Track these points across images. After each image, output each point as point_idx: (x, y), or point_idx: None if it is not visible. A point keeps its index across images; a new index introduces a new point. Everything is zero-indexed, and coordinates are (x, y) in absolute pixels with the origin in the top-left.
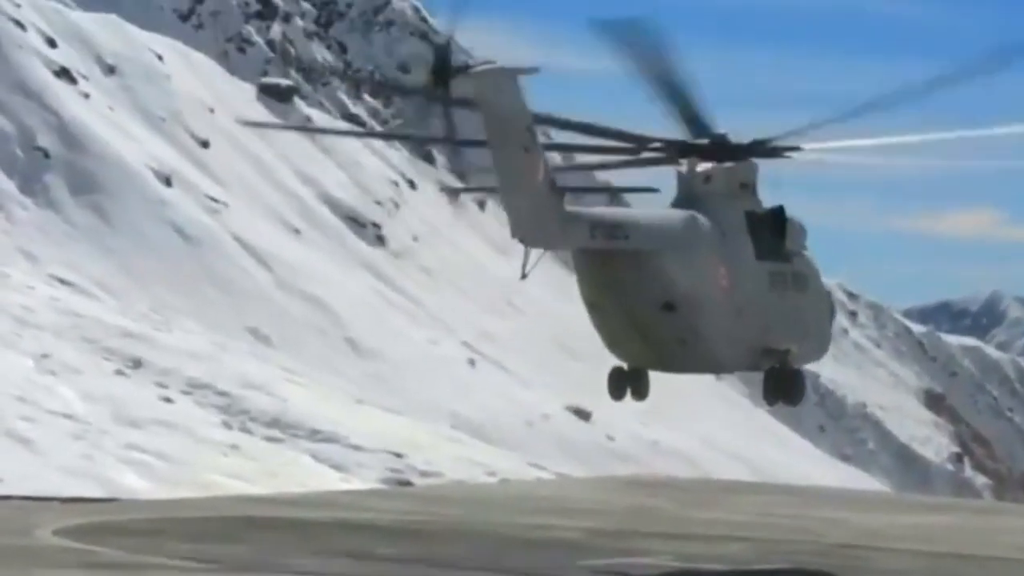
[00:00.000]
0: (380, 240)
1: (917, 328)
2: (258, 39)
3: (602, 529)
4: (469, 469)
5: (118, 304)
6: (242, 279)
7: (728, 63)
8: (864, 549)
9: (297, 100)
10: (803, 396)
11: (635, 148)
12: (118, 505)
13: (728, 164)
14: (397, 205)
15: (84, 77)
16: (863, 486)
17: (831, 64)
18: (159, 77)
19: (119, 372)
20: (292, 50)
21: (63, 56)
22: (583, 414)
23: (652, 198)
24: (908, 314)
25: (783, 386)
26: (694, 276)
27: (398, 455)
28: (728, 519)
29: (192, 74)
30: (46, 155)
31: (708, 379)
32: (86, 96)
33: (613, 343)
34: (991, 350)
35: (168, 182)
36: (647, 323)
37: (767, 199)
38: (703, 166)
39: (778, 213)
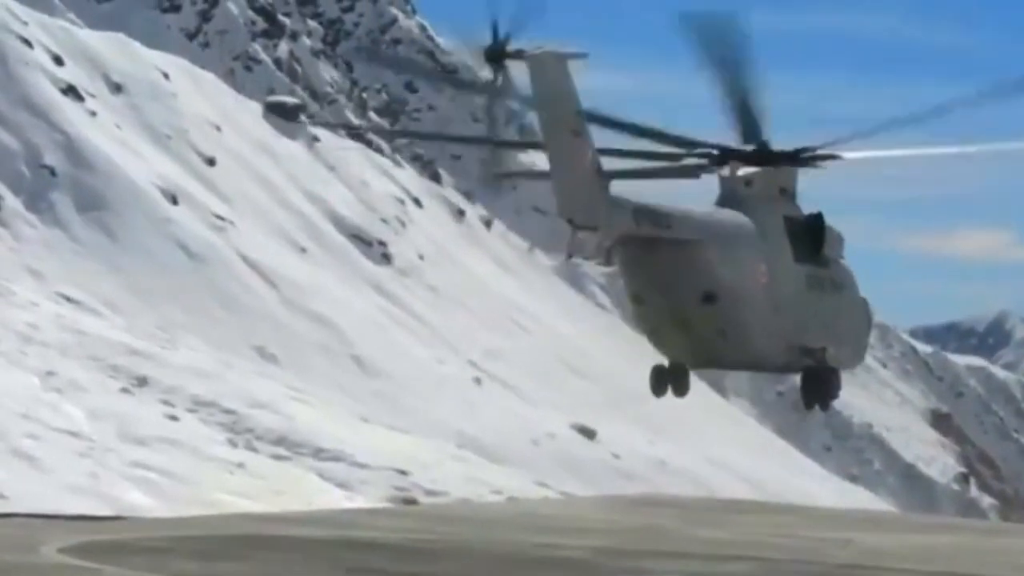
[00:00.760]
0: (386, 258)
1: (923, 348)
2: (265, 57)
3: (608, 548)
4: (475, 488)
5: (124, 322)
6: (248, 297)
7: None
8: (869, 569)
9: (303, 118)
10: (837, 396)
11: (679, 153)
12: (123, 523)
13: (769, 169)
14: (403, 224)
15: (91, 95)
16: (869, 506)
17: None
18: (166, 95)
19: (124, 390)
20: (299, 69)
21: (70, 74)
22: (588, 433)
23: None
24: (914, 334)
25: (820, 385)
26: (734, 269)
27: (404, 473)
28: (733, 538)
29: (198, 92)
30: (52, 173)
31: (715, 398)
32: (93, 114)
33: (655, 337)
34: (998, 370)
35: (174, 200)
36: (688, 315)
37: None
38: (745, 170)
39: (817, 219)
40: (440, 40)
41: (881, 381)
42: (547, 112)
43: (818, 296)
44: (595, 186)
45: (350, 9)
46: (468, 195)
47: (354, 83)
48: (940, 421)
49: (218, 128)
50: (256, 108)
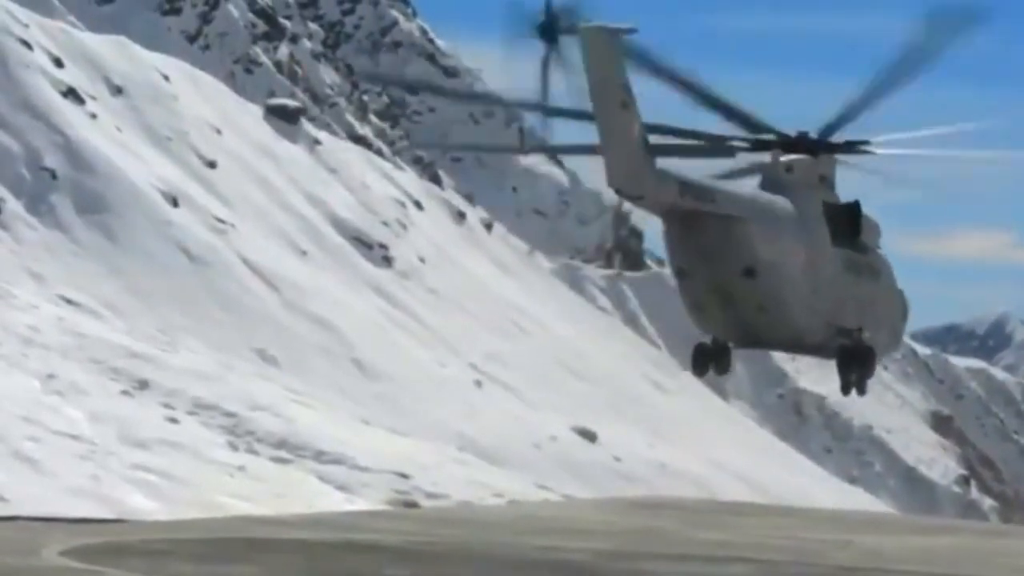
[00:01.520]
0: (387, 261)
1: (924, 350)
2: (265, 60)
3: (608, 550)
4: (475, 490)
5: (124, 324)
6: (249, 300)
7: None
8: (870, 571)
9: (304, 121)
10: (872, 374)
11: (727, 149)
12: (125, 526)
13: (809, 157)
14: (404, 226)
15: (91, 97)
16: (869, 508)
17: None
18: (166, 98)
19: (125, 392)
20: (299, 71)
21: (70, 76)
22: (589, 435)
23: None
24: (915, 336)
25: (857, 364)
26: (774, 246)
27: (404, 476)
28: (734, 540)
29: (199, 95)
30: (53, 175)
31: (715, 401)
32: (93, 116)
33: (698, 312)
34: (998, 372)
35: (175, 202)
36: (729, 288)
37: None
38: (786, 157)
39: (854, 207)
40: (440, 43)
41: (881, 383)
42: (597, 84)
43: (855, 279)
44: (642, 157)
45: (351, 12)
46: (468, 197)
47: (354, 86)
48: (940, 423)
49: (218, 131)
50: (257, 111)
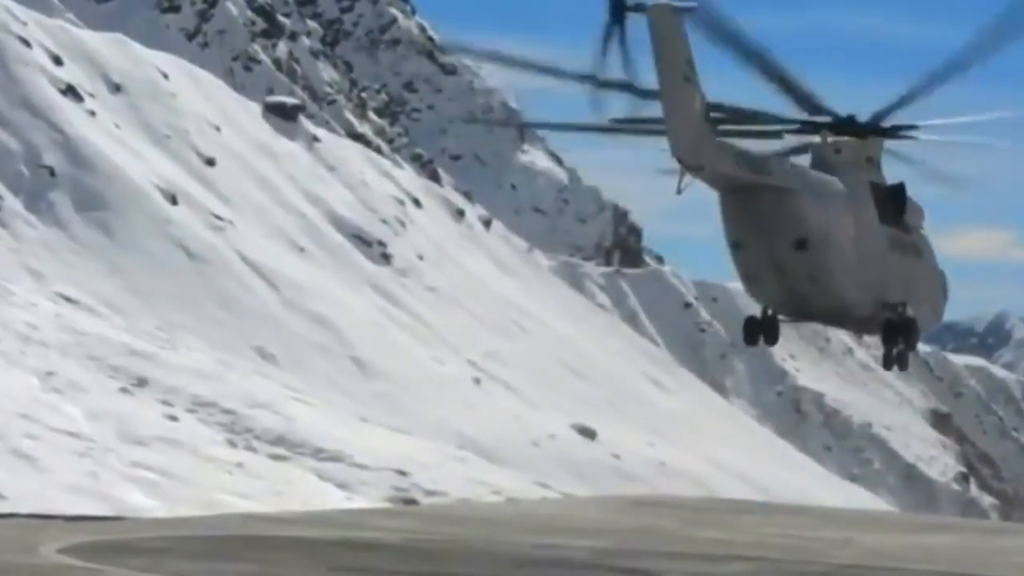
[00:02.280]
0: (385, 259)
1: (923, 348)
2: (264, 57)
3: (608, 548)
4: (474, 488)
5: (123, 322)
6: (248, 297)
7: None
8: (870, 569)
9: (303, 119)
10: (915, 348)
11: (777, 131)
12: (123, 523)
13: (858, 139)
14: (403, 224)
15: (90, 95)
16: (869, 506)
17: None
18: (165, 95)
19: (124, 390)
20: (298, 69)
21: (69, 74)
22: (589, 433)
23: None
24: None
25: (901, 335)
26: (825, 219)
27: (403, 474)
28: (734, 539)
29: (198, 92)
30: (52, 173)
31: (715, 399)
32: (92, 114)
33: (751, 282)
34: (997, 370)
35: (174, 200)
36: (781, 259)
37: None
38: (835, 138)
39: (900, 188)
40: (439, 40)
41: (881, 381)
42: (662, 59)
43: (900, 256)
44: (703, 129)
45: (349, 9)
46: (467, 195)
47: (353, 83)
48: (940, 421)
49: (217, 128)
50: (256, 108)
